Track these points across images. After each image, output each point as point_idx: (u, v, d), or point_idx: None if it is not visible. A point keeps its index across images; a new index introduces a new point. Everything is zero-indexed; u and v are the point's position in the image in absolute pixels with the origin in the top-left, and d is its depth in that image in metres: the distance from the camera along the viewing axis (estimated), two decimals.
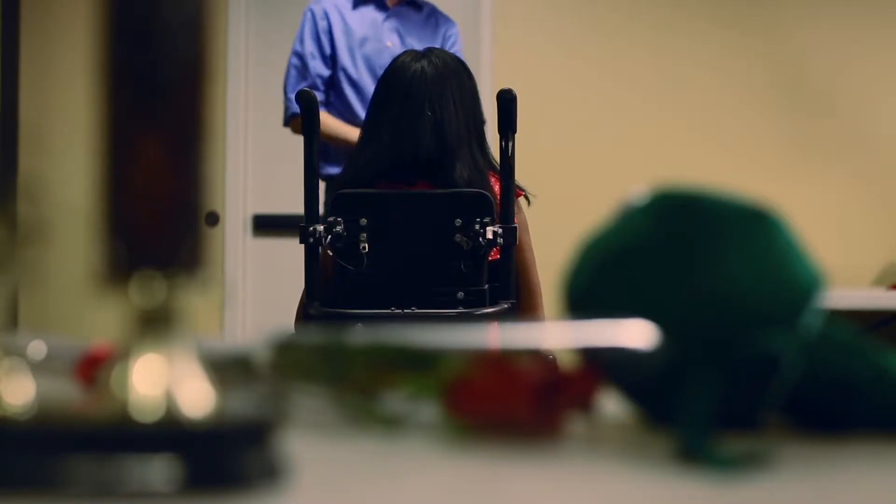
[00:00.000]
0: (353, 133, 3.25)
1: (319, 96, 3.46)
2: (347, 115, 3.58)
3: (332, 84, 3.66)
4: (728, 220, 0.75)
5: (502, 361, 0.73)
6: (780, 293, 0.73)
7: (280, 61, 5.02)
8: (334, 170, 3.39)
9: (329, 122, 3.47)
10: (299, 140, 2.79)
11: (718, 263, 0.73)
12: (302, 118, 2.78)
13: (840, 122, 4.56)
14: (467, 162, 2.75)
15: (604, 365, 0.76)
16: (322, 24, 3.72)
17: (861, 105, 4.60)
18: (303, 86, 3.44)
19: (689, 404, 0.68)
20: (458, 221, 2.67)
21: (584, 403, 0.76)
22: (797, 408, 0.76)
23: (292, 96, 3.32)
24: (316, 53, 3.69)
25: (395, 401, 0.78)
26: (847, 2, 4.59)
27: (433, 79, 2.77)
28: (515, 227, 2.69)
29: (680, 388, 0.70)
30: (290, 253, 3.40)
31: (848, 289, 3.98)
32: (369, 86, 3.44)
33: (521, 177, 2.79)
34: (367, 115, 2.85)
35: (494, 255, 2.74)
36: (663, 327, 0.73)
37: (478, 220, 2.66)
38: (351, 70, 3.66)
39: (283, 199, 4.90)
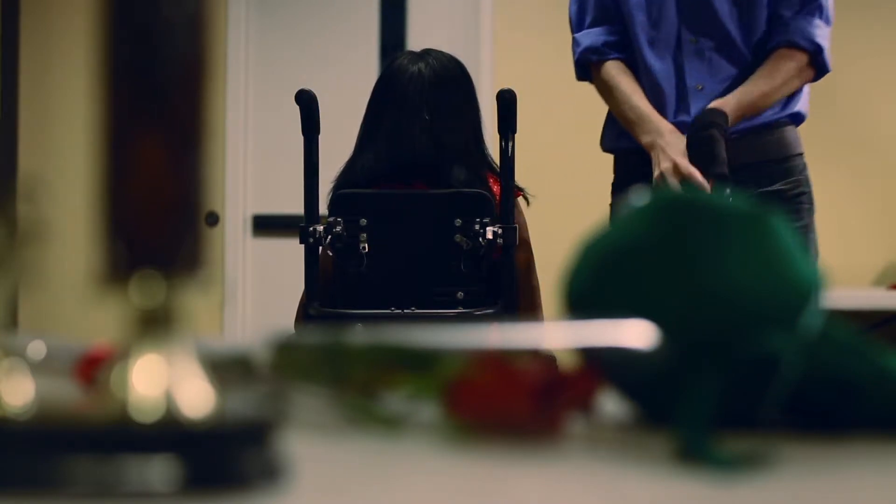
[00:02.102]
0: (640, 108, 2.43)
1: (609, 38, 2.51)
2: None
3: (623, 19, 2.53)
4: (728, 221, 0.75)
5: (502, 361, 0.73)
6: (779, 293, 0.73)
7: (280, 61, 5.02)
8: (626, 143, 2.51)
9: (618, 86, 2.49)
10: (299, 140, 2.79)
11: (718, 264, 0.73)
12: (301, 118, 2.77)
13: (840, 123, 4.55)
14: (465, 164, 2.75)
15: (604, 365, 0.76)
16: None
17: (861, 105, 4.59)
18: (584, 31, 2.51)
19: (689, 404, 0.68)
20: (458, 221, 2.67)
21: (584, 403, 0.76)
22: (797, 408, 0.76)
23: (579, 37, 2.52)
24: None
25: (395, 401, 0.78)
26: (847, 2, 4.60)
27: (430, 81, 2.77)
28: (515, 227, 2.69)
29: (680, 388, 0.70)
30: (290, 253, 3.40)
31: (848, 289, 3.98)
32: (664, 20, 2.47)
33: (520, 177, 2.79)
34: (365, 118, 2.85)
35: (494, 255, 2.73)
36: (663, 327, 0.73)
37: (478, 220, 2.66)
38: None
39: (283, 199, 4.90)
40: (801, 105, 2.49)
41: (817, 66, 2.45)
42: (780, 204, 2.36)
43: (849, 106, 4.56)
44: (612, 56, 2.50)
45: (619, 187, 2.54)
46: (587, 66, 2.54)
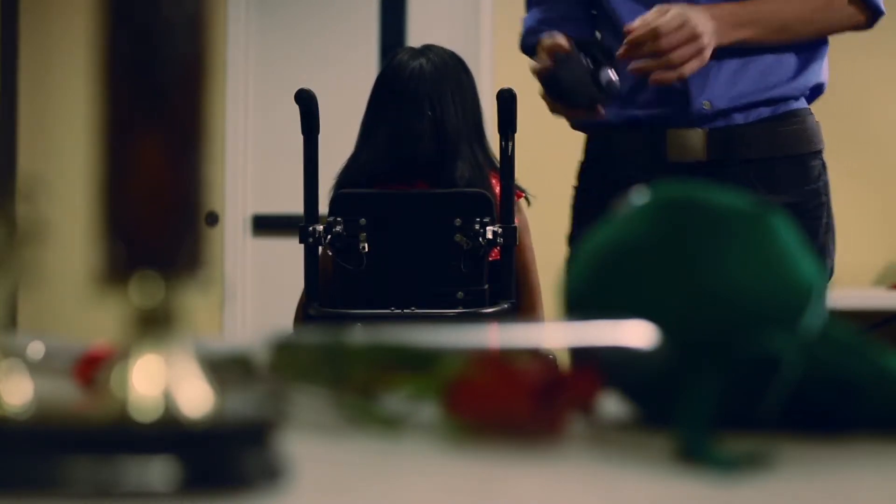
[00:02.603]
0: None
1: (546, 16, 2.08)
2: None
3: None
4: (728, 220, 0.74)
5: (502, 361, 0.73)
6: (780, 293, 0.73)
7: (280, 60, 5.02)
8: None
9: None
10: (299, 140, 2.78)
11: (718, 263, 0.73)
12: (301, 118, 2.77)
13: (840, 122, 4.55)
14: (468, 160, 2.75)
15: (603, 365, 0.75)
16: None
17: (861, 104, 4.59)
18: (528, 13, 2.14)
19: (689, 405, 0.68)
20: (458, 221, 2.67)
21: (584, 403, 0.76)
22: (797, 408, 0.75)
23: (525, 20, 2.16)
24: None
25: (395, 401, 0.78)
26: None
27: (432, 77, 2.77)
28: (515, 227, 2.68)
29: (680, 389, 0.69)
30: (290, 253, 3.40)
31: (848, 289, 3.98)
32: None
33: (520, 177, 2.79)
34: (366, 114, 2.84)
35: (494, 255, 2.73)
36: (663, 327, 0.73)
37: (478, 219, 2.66)
38: None
39: (282, 199, 4.90)
40: (824, 74, 2.02)
41: (868, 7, 1.92)
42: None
43: (849, 105, 4.55)
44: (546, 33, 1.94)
45: (588, 169, 2.06)
46: (531, 51, 2.01)
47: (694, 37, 1.74)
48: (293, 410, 0.78)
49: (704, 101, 1.91)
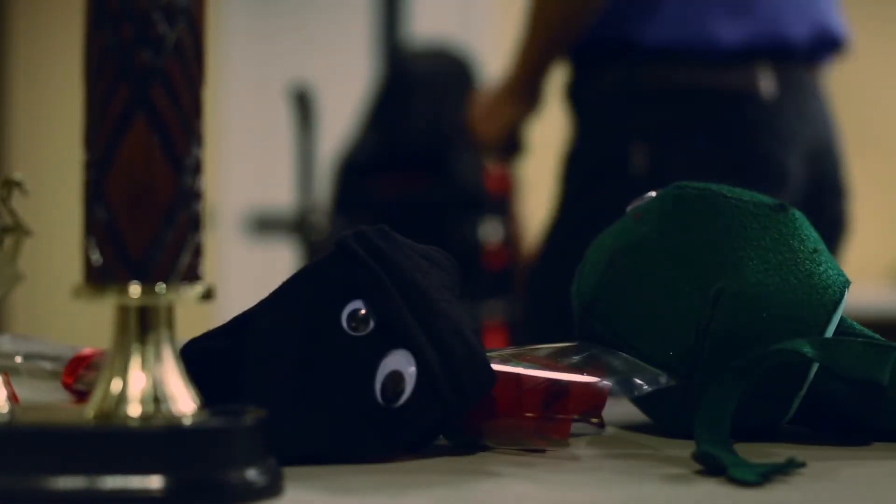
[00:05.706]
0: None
1: None
2: None
3: None
4: (749, 215, 0.72)
5: (507, 367, 0.71)
6: (805, 293, 0.70)
7: (280, 57, 5.01)
8: None
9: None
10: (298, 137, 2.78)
11: (741, 264, 0.70)
12: (297, 112, 2.78)
13: (849, 119, 4.54)
14: (467, 157, 2.76)
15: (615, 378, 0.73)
16: None
17: (871, 101, 4.58)
18: None
19: (708, 413, 0.65)
20: (457, 221, 2.67)
21: (591, 410, 0.74)
22: (817, 412, 0.74)
23: None
24: None
25: None
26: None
27: (436, 73, 2.79)
28: (516, 226, 2.69)
29: (698, 400, 0.67)
30: (289, 252, 3.39)
31: (861, 288, 3.96)
32: None
33: (521, 175, 2.79)
34: (368, 108, 2.86)
35: (496, 257, 2.74)
36: (681, 330, 0.70)
37: (477, 218, 2.67)
38: None
39: (280, 198, 4.90)
40: None
41: None
42: None
43: (859, 102, 4.55)
44: None
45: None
46: None
47: None
48: None
49: None
